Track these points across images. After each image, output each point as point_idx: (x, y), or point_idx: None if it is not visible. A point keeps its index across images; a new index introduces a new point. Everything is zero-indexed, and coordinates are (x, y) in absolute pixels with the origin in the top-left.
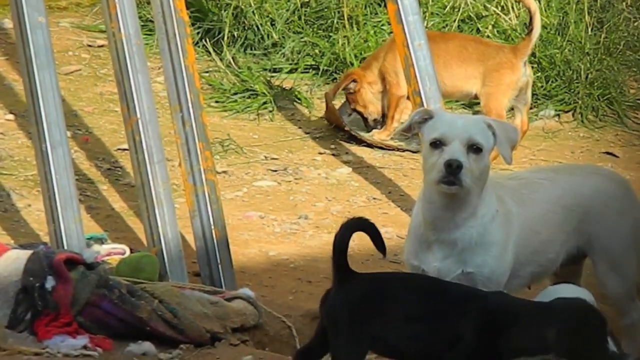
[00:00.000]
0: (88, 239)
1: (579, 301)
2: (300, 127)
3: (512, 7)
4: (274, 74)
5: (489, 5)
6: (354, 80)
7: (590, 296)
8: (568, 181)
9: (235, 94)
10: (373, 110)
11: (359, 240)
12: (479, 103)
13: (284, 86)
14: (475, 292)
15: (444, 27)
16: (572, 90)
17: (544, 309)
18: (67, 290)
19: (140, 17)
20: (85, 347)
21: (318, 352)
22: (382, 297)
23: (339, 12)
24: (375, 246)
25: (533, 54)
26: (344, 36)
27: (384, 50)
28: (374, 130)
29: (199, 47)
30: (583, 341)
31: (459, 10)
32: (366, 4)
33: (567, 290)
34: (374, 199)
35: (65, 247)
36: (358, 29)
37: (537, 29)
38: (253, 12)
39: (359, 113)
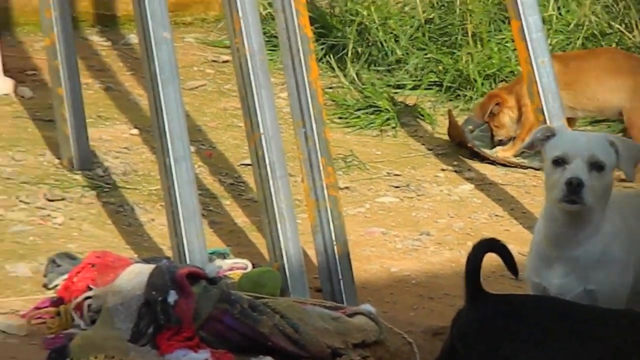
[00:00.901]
0: (210, 253)
1: None
2: (423, 144)
3: (636, 25)
4: (397, 91)
5: (613, 23)
6: (498, 104)
7: None
8: None
9: (359, 110)
10: (503, 133)
11: None
12: (604, 121)
13: (407, 102)
14: (613, 313)
15: (567, 45)
16: None
17: None
18: (189, 304)
19: (264, 33)
20: None
21: None
22: (514, 318)
23: (463, 29)
24: (507, 267)
25: None
26: (468, 53)
27: None
28: (497, 148)
29: (322, 63)
30: None
31: (583, 27)
32: (490, 21)
33: None
34: (496, 216)
35: (188, 262)
36: (482, 46)
37: None
38: (377, 28)
39: (490, 129)
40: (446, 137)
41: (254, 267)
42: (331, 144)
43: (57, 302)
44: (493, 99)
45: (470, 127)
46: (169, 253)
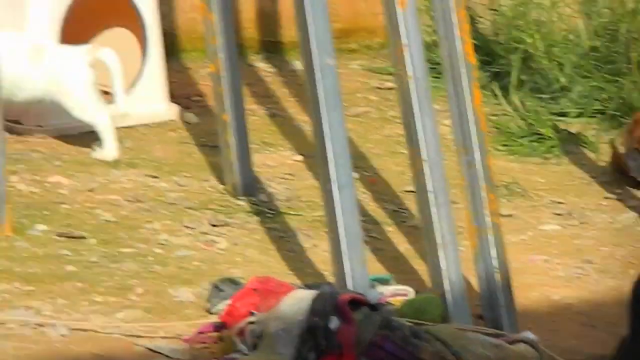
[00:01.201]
0: (372, 280)
1: None
2: (586, 172)
3: None
4: (560, 118)
5: None
6: None
7: None
8: None
9: (522, 137)
10: None
11: None
12: None
13: (570, 130)
14: None
15: None
16: None
17: None
18: (351, 330)
19: (428, 60)
20: None
21: None
22: None
23: (627, 57)
24: None
25: None
26: (633, 81)
27: None
28: None
29: (486, 90)
30: None
31: None
32: None
33: None
34: None
35: (350, 288)
36: None
37: None
38: (541, 56)
39: None
40: (610, 166)
41: (416, 293)
42: (494, 171)
43: (220, 327)
44: (638, 124)
45: (635, 156)
46: (331, 279)
